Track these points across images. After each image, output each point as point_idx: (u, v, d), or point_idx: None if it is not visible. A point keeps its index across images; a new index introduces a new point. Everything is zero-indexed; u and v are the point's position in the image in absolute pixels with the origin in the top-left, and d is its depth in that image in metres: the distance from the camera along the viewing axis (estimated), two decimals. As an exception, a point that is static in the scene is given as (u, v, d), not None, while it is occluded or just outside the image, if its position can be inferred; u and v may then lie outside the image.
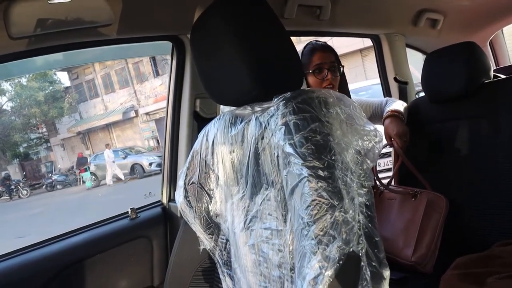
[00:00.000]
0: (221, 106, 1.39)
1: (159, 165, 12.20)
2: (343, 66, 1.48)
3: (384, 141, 1.44)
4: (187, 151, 1.44)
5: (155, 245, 1.43)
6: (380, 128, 1.47)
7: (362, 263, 0.62)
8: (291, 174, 0.66)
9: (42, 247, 1.26)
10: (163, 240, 1.45)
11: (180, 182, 0.93)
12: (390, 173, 1.54)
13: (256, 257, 0.79)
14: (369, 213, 0.65)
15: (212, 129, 0.87)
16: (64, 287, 1.23)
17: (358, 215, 0.64)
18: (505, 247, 1.19)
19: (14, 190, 14.41)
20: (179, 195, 0.92)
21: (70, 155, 19.28)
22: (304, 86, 1.40)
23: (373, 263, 0.63)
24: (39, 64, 1.45)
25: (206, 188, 0.89)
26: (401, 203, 1.41)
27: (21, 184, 14.93)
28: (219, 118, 0.87)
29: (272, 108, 0.72)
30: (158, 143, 17.02)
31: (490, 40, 2.47)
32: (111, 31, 1.19)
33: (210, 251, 0.91)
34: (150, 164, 12.98)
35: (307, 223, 0.62)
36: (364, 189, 0.66)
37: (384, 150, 1.31)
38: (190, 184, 0.91)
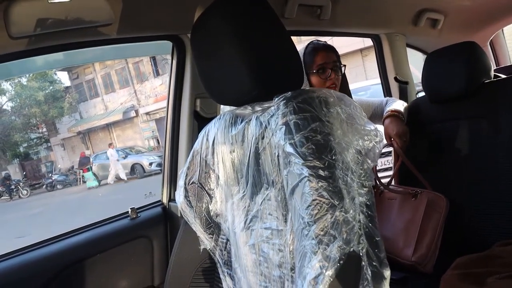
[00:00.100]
0: (222, 106, 1.39)
1: (159, 165, 12.20)
2: (344, 66, 1.48)
3: (384, 141, 1.44)
4: (188, 151, 1.44)
5: (156, 245, 1.43)
6: (380, 128, 1.47)
7: (363, 263, 0.62)
8: (292, 173, 0.66)
9: (42, 247, 1.26)
10: (164, 240, 1.45)
11: (181, 182, 0.93)
12: (389, 173, 1.54)
13: (256, 257, 0.79)
14: (369, 213, 0.65)
15: (213, 128, 0.87)
16: (64, 287, 1.23)
17: (359, 215, 0.64)
18: (505, 247, 1.19)
19: (14, 190, 14.42)
20: (179, 195, 0.92)
21: (70, 155, 19.29)
22: (306, 86, 1.41)
23: (374, 263, 0.63)
24: (39, 64, 1.45)
25: (206, 188, 0.89)
26: (401, 203, 1.41)
27: (21, 184, 14.94)
28: (220, 118, 0.87)
29: (272, 108, 0.72)
30: (159, 143, 17.02)
31: (491, 40, 2.47)
32: (111, 30, 1.18)
33: (211, 251, 0.91)
34: (151, 164, 12.98)
35: (307, 222, 0.62)
36: (365, 189, 0.66)
37: (384, 150, 1.31)
38: (191, 184, 0.91)
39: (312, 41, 1.49)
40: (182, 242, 0.96)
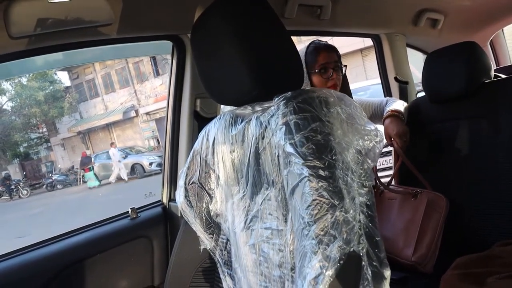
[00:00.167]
0: (222, 106, 1.39)
1: (159, 165, 12.20)
2: (345, 66, 1.48)
3: (385, 141, 1.44)
4: (188, 150, 1.44)
5: (156, 245, 1.43)
6: (381, 128, 1.47)
7: (363, 263, 0.62)
8: (292, 173, 0.66)
9: (42, 247, 1.26)
10: (164, 240, 1.45)
11: (181, 182, 0.92)
12: (389, 172, 1.53)
13: (256, 257, 0.79)
14: (369, 212, 0.65)
15: (213, 128, 0.87)
16: (64, 287, 1.23)
17: (359, 215, 0.64)
18: (505, 247, 1.19)
19: (14, 190, 14.42)
20: (179, 195, 0.92)
21: (70, 155, 19.29)
22: (307, 86, 1.41)
23: (374, 263, 0.63)
24: (39, 64, 1.45)
25: (206, 188, 0.89)
26: (402, 203, 1.41)
27: (21, 184, 14.93)
28: (220, 118, 0.87)
29: (272, 108, 0.72)
30: (159, 142, 17.02)
31: (491, 39, 2.47)
32: (111, 30, 1.18)
33: (211, 250, 0.91)
34: (151, 164, 12.98)
35: (307, 222, 0.62)
36: (365, 189, 0.66)
37: (384, 150, 1.32)
38: (191, 184, 0.91)
39: (313, 40, 1.49)
40: (182, 242, 0.96)
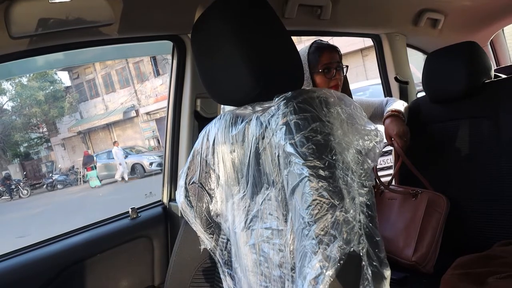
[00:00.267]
0: (222, 106, 1.39)
1: (159, 164, 12.20)
2: (347, 66, 1.49)
3: (385, 141, 1.44)
4: (188, 150, 1.44)
5: (156, 244, 1.43)
6: (381, 128, 1.47)
7: (363, 263, 0.62)
8: (292, 173, 0.66)
9: (42, 247, 1.26)
10: (164, 239, 1.45)
11: (181, 182, 0.92)
12: (389, 171, 1.53)
13: (256, 257, 0.79)
14: (370, 212, 0.65)
15: (213, 128, 0.87)
16: (64, 287, 1.23)
17: (359, 215, 0.64)
18: (505, 247, 1.19)
19: (15, 189, 14.42)
20: (179, 195, 0.92)
21: (70, 155, 19.29)
22: (309, 86, 1.41)
23: (374, 263, 0.63)
24: (39, 64, 1.45)
25: (206, 188, 0.89)
26: (402, 202, 1.41)
27: (21, 183, 14.94)
28: (220, 118, 0.87)
29: (272, 108, 0.72)
30: (159, 142, 17.02)
31: (491, 39, 2.47)
32: (111, 30, 1.19)
33: (211, 250, 0.91)
34: (151, 163, 12.98)
35: (307, 222, 0.62)
36: (365, 189, 0.66)
37: (384, 149, 1.32)
38: (191, 184, 0.91)
39: (315, 40, 1.50)
40: (182, 242, 0.96)
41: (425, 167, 1.45)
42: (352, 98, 1.34)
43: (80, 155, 16.86)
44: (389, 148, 1.49)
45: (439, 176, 1.45)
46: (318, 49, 1.44)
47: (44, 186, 15.32)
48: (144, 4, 1.24)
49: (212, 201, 0.89)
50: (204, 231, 0.90)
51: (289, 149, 0.66)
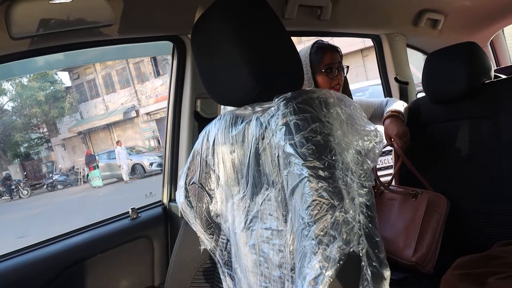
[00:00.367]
0: (222, 106, 1.39)
1: (159, 165, 12.20)
2: (347, 67, 1.49)
3: (385, 141, 1.45)
4: (188, 151, 1.44)
5: (156, 245, 1.43)
6: (381, 128, 1.47)
7: (363, 263, 0.62)
8: (292, 174, 0.66)
9: (42, 247, 1.26)
10: (164, 240, 1.45)
11: (181, 182, 0.93)
12: (389, 171, 1.53)
13: (256, 257, 0.79)
14: (369, 213, 0.65)
15: (213, 129, 0.87)
16: (65, 287, 1.23)
17: (359, 215, 0.64)
18: (506, 247, 1.19)
19: (15, 190, 14.42)
20: (179, 195, 0.92)
21: (71, 155, 19.30)
22: (311, 86, 1.41)
23: (374, 263, 0.63)
24: (40, 64, 1.45)
25: (206, 188, 0.89)
26: (402, 203, 1.41)
27: (21, 184, 14.95)
28: (220, 118, 0.87)
29: (272, 108, 0.72)
30: (159, 143, 17.03)
31: (491, 40, 2.47)
32: (112, 31, 1.19)
33: (211, 251, 0.91)
34: (151, 164, 12.98)
35: (307, 223, 0.62)
36: (365, 189, 0.66)
37: (384, 149, 1.32)
38: (191, 184, 0.91)
39: (316, 41, 1.50)
40: (182, 242, 0.96)
41: (425, 168, 1.45)
42: (352, 98, 1.34)
43: (80, 155, 16.87)
44: (389, 148, 1.49)
45: (439, 176, 1.45)
46: (320, 49, 1.45)
47: (44, 186, 15.33)
48: (144, 4, 1.24)
49: (212, 201, 0.89)
50: (204, 231, 0.90)
51: (289, 149, 0.66)
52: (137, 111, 18.05)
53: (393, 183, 1.51)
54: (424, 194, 1.36)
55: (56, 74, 18.80)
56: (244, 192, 0.81)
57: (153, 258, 1.43)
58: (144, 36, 1.35)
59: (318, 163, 0.63)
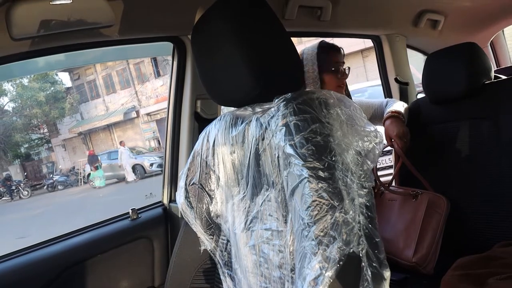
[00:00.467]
0: (222, 107, 1.39)
1: (160, 165, 12.19)
2: (349, 68, 1.51)
3: (385, 142, 1.45)
4: (188, 151, 1.44)
5: (156, 245, 1.44)
6: (381, 129, 1.47)
7: (363, 264, 0.62)
8: (292, 175, 0.66)
9: (43, 248, 1.26)
10: (164, 240, 1.45)
11: (181, 183, 0.93)
12: (389, 171, 1.54)
13: (256, 258, 0.79)
14: (369, 214, 0.65)
15: (213, 129, 0.88)
16: None
17: (359, 216, 0.64)
18: (506, 248, 1.19)
19: (15, 190, 14.43)
20: (180, 196, 0.92)
21: (71, 156, 19.31)
22: (318, 85, 1.42)
23: (374, 264, 0.63)
24: (40, 65, 1.46)
25: (206, 189, 0.89)
26: (402, 204, 1.41)
27: (22, 184, 14.95)
28: (220, 119, 0.87)
29: (272, 109, 0.72)
30: (159, 143, 17.03)
31: (491, 40, 2.47)
32: (112, 32, 1.19)
33: (211, 251, 0.91)
34: (151, 164, 12.98)
35: (307, 223, 0.62)
36: (365, 190, 0.66)
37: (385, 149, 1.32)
38: (191, 185, 0.91)
39: (322, 41, 1.52)
40: (182, 243, 0.96)
41: (425, 168, 1.45)
42: (351, 99, 1.34)
43: (81, 156, 16.88)
44: (389, 148, 1.49)
45: (439, 177, 1.45)
46: (328, 49, 1.47)
47: (45, 187, 15.34)
48: (145, 5, 1.24)
49: (212, 202, 0.89)
50: (204, 232, 0.90)
51: (289, 150, 0.66)
52: (137, 112, 18.07)
53: (393, 183, 1.51)
54: (424, 195, 1.36)
55: (57, 74, 18.85)
56: (244, 192, 0.81)
57: (153, 258, 1.43)
58: (144, 37, 1.35)
59: (318, 163, 0.63)
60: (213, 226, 0.90)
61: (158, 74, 17.50)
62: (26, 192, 14.42)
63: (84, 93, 19.51)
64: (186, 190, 0.91)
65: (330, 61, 1.45)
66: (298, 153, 0.65)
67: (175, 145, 1.49)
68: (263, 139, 0.74)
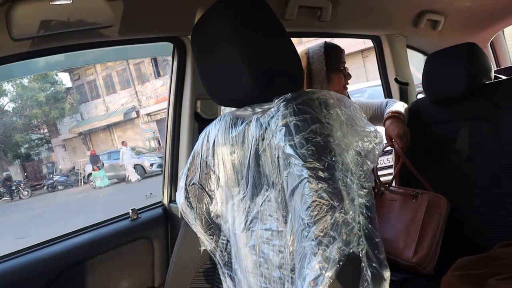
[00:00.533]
0: (222, 107, 1.39)
1: (160, 166, 12.19)
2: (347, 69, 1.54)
3: (385, 142, 1.45)
4: (188, 152, 1.44)
5: (156, 245, 1.44)
6: (381, 129, 1.47)
7: (363, 264, 0.62)
8: (292, 175, 0.66)
9: (43, 248, 1.26)
10: (164, 241, 1.45)
11: (181, 183, 0.93)
12: (390, 171, 1.54)
13: (256, 258, 0.79)
14: (369, 214, 0.65)
15: (213, 130, 0.88)
16: None
17: (359, 216, 0.64)
18: (506, 248, 1.19)
19: (15, 190, 14.43)
20: (180, 196, 0.92)
21: (71, 156, 19.31)
22: (325, 84, 1.44)
23: (374, 264, 0.63)
24: (40, 65, 1.46)
25: (206, 189, 0.89)
26: (402, 204, 1.41)
27: (22, 185, 14.95)
28: (220, 119, 0.87)
29: (272, 109, 0.72)
30: (160, 143, 17.03)
31: (491, 41, 2.47)
32: (112, 32, 1.19)
33: (211, 252, 0.91)
34: (151, 165, 12.98)
35: (307, 224, 0.62)
36: (365, 190, 0.66)
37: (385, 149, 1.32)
38: (191, 185, 0.91)
39: (326, 41, 1.54)
40: (182, 243, 0.96)
41: (425, 168, 1.45)
42: (350, 99, 1.34)
43: (81, 156, 16.88)
44: (389, 148, 1.49)
45: (439, 177, 1.45)
46: (337, 49, 1.52)
47: (45, 187, 15.33)
48: (145, 5, 1.24)
49: (212, 202, 0.89)
50: (204, 232, 0.90)
51: (289, 150, 0.66)
52: (137, 112, 18.07)
53: (393, 183, 1.51)
54: (424, 195, 1.36)
55: (57, 75, 18.86)
56: (244, 193, 0.81)
57: (153, 259, 1.43)
58: (144, 37, 1.35)
59: (318, 164, 0.63)
60: (213, 226, 0.90)
61: (158, 74, 17.51)
62: (26, 192, 14.41)
63: (84, 93, 19.52)
64: (186, 190, 0.91)
65: (340, 60, 1.48)
66: (298, 153, 0.65)
67: (175, 145, 1.49)
68: (263, 139, 0.74)
